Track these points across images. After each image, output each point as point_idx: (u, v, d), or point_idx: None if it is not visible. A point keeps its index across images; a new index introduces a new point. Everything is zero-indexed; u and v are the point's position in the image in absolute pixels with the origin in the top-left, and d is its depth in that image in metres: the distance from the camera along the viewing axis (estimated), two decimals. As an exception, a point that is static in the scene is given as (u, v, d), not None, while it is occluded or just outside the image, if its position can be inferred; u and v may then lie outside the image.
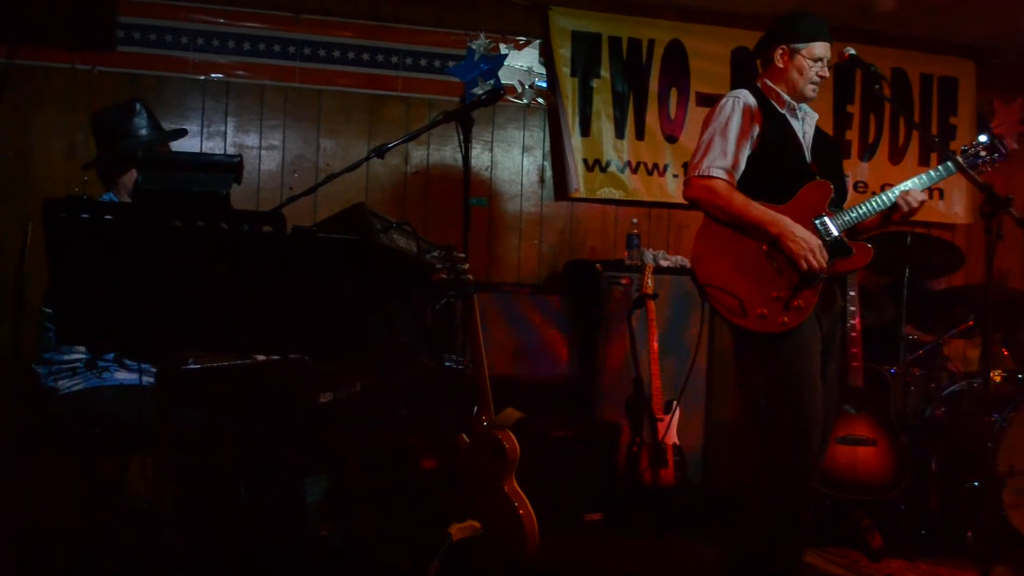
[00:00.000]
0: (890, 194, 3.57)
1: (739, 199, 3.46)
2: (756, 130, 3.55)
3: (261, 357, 3.23)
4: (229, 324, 2.56)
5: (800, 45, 3.60)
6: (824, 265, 3.40)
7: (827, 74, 3.64)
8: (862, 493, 4.80)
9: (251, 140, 5.56)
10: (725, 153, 3.51)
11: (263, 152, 5.57)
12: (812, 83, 3.62)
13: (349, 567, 3.88)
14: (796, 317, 3.41)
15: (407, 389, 4.09)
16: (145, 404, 3.03)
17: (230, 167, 2.56)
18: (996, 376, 5.19)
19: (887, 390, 4.96)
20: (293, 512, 3.55)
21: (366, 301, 3.71)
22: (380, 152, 4.00)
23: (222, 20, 5.47)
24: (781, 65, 3.64)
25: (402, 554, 3.96)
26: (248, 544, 3.40)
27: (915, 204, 3.55)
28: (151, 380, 3.36)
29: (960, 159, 3.57)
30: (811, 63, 3.59)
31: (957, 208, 6.68)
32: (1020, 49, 6.79)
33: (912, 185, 3.58)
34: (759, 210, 3.43)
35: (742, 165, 3.53)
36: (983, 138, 3.66)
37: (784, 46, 3.63)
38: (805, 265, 3.37)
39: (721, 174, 3.49)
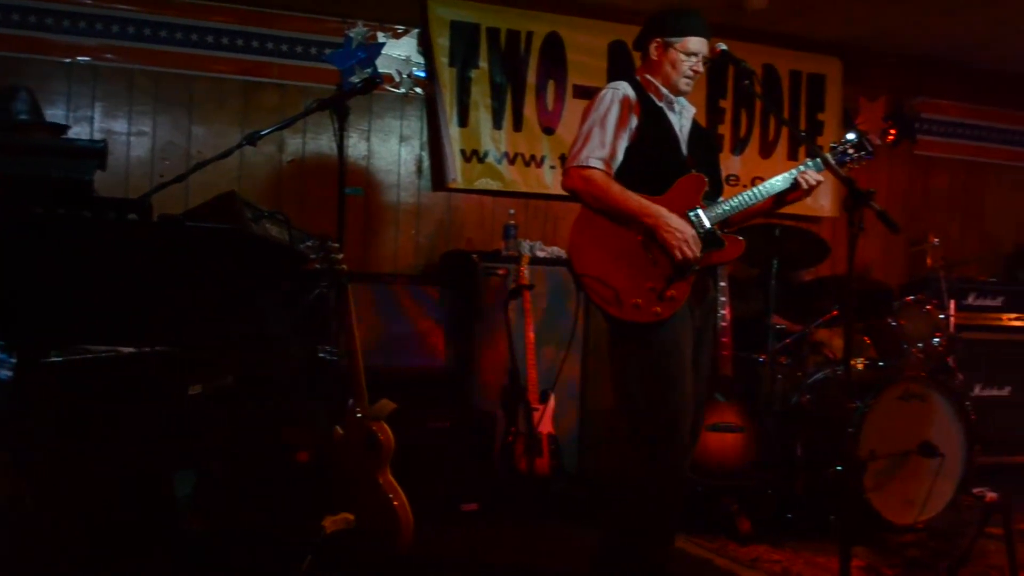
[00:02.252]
0: (758, 189, 3.65)
1: (616, 189, 3.49)
2: (634, 122, 3.58)
3: (127, 349, 3.14)
4: (93, 315, 2.49)
5: (675, 39, 3.64)
6: (697, 255, 3.46)
7: (701, 69, 3.69)
8: (731, 479, 4.92)
9: (119, 126, 5.40)
10: (603, 144, 3.54)
11: (132, 138, 5.42)
12: (686, 77, 3.66)
13: (220, 562, 3.81)
14: (669, 308, 3.46)
15: (280, 381, 4.03)
16: (2, 398, 2.92)
17: (93, 153, 2.49)
18: (859, 364, 5.37)
19: (755, 379, 5.09)
20: (161, 507, 3.46)
21: (236, 291, 3.64)
22: (253, 139, 3.93)
23: (90, 1, 5.29)
24: (656, 59, 3.69)
25: (275, 548, 3.91)
26: (114, 540, 3.31)
27: (813, 183, 3.63)
28: (9, 374, 3.24)
29: (828, 155, 3.67)
30: (685, 57, 3.64)
31: (823, 202, 6.89)
32: (884, 49, 7.04)
33: (779, 181, 3.67)
34: (635, 200, 3.47)
35: (620, 156, 3.56)
36: (851, 136, 3.76)
37: (659, 40, 3.67)
38: (679, 255, 3.43)
39: (599, 164, 3.52)
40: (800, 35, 6.79)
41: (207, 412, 3.56)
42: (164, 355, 3.17)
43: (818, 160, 3.65)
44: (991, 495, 5.39)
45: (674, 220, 3.46)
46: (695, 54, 3.64)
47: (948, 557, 4.38)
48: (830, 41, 6.89)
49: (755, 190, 3.64)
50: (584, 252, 3.54)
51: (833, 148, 3.76)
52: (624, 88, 3.62)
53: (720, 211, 3.58)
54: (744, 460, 4.97)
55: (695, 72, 3.68)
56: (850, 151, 3.74)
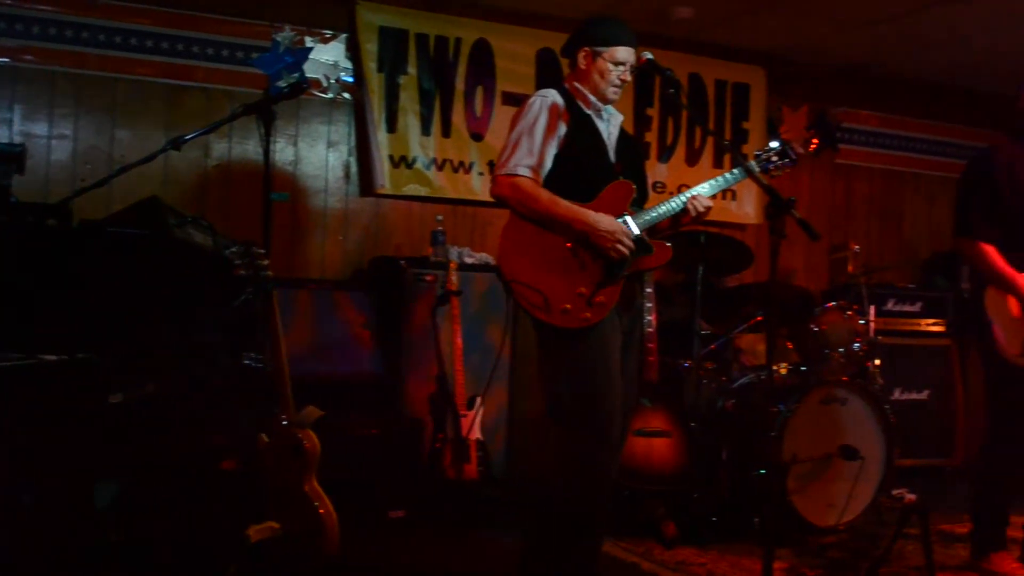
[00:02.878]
0: (685, 196, 3.69)
1: (545, 196, 3.51)
2: (563, 129, 3.60)
3: (47, 357, 3.08)
4: (12, 322, 2.44)
5: (603, 49, 3.67)
6: (632, 247, 3.50)
7: (629, 78, 3.72)
8: (657, 483, 4.96)
9: (40, 129, 5.30)
10: (531, 152, 3.55)
11: (53, 142, 5.32)
12: (614, 86, 3.69)
13: (143, 573, 3.76)
14: (598, 313, 3.49)
15: (204, 388, 3.99)
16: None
17: (11, 156, 2.44)
18: (782, 369, 5.46)
19: (681, 384, 5.15)
20: (81, 518, 3.40)
21: (159, 298, 3.60)
22: (177, 144, 3.88)
23: (9, 1, 5.18)
24: (584, 67, 3.71)
25: (199, 558, 3.86)
26: (32, 552, 3.24)
27: (701, 209, 3.67)
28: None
29: (753, 164, 3.72)
30: (612, 66, 3.66)
31: (748, 209, 7.00)
32: (806, 59, 7.17)
33: (706, 188, 3.72)
34: (565, 207, 3.49)
35: (548, 164, 3.58)
36: (775, 144, 3.82)
37: (587, 48, 3.70)
38: (616, 255, 3.46)
39: (527, 172, 3.53)
40: (725, 45, 6.89)
41: (129, 420, 3.51)
42: (84, 363, 3.12)
43: (743, 168, 3.70)
44: (910, 497, 5.51)
45: (603, 221, 3.49)
46: (623, 63, 3.67)
47: (868, 558, 4.46)
48: (754, 51, 7.00)
49: (681, 197, 3.68)
50: (513, 258, 3.55)
51: (757, 156, 3.81)
52: (552, 96, 3.65)
53: (648, 218, 3.62)
54: (670, 465, 5.01)
55: (623, 81, 3.70)
56: (773, 159, 3.80)
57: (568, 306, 3.47)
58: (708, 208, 3.68)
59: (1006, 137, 4.38)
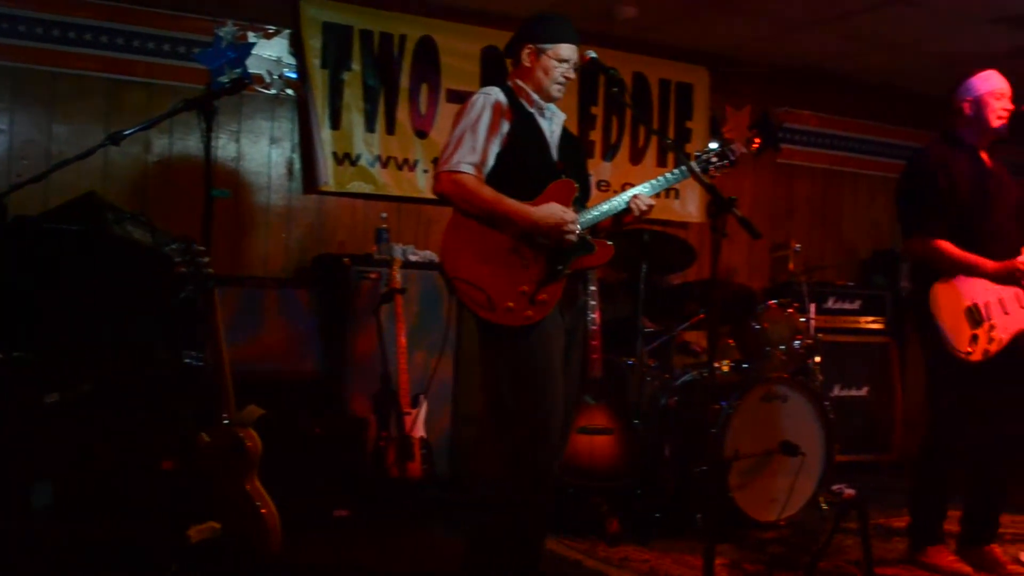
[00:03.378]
0: (627, 195, 3.71)
1: (488, 193, 3.50)
2: (506, 127, 3.60)
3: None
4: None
5: (546, 46, 3.67)
6: (579, 229, 3.51)
7: (573, 76, 3.73)
8: (600, 480, 4.98)
9: (-26, 123, 5.21)
10: (474, 149, 3.54)
11: (-12, 136, 5.22)
12: (557, 83, 3.69)
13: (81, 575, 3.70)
14: (540, 311, 3.49)
15: (143, 387, 3.94)
16: None
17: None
18: (724, 366, 5.51)
19: (624, 381, 5.17)
20: (17, 519, 3.34)
21: (96, 295, 3.55)
22: (116, 139, 3.82)
23: (-58, -7, 5.08)
24: (528, 65, 3.71)
25: (138, 559, 3.82)
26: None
27: (644, 208, 3.68)
28: None
29: (694, 163, 3.75)
30: (556, 64, 3.67)
31: (691, 208, 7.05)
32: (749, 60, 7.24)
33: (647, 188, 3.73)
34: (509, 203, 3.49)
35: (490, 161, 3.58)
36: (715, 144, 3.85)
37: (531, 46, 3.70)
38: (575, 236, 3.49)
39: (469, 169, 3.52)
40: (669, 45, 6.93)
41: (65, 420, 3.45)
42: (19, 361, 3.06)
43: (684, 168, 3.72)
44: (849, 492, 5.61)
45: (544, 214, 3.49)
46: (566, 60, 3.68)
47: (808, 552, 4.51)
48: (698, 51, 7.06)
49: (622, 197, 3.70)
50: (456, 255, 3.54)
51: (698, 156, 3.84)
52: (496, 93, 3.64)
53: (590, 216, 3.63)
54: (614, 461, 5.04)
55: (567, 78, 3.71)
56: (714, 159, 3.82)
57: (511, 304, 3.47)
58: (650, 207, 3.70)
59: (940, 137, 4.46)
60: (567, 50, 3.68)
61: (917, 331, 4.46)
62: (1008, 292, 4.24)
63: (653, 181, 3.75)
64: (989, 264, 4.19)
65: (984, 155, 4.39)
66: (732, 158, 3.82)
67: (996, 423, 4.32)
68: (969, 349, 4.18)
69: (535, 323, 3.49)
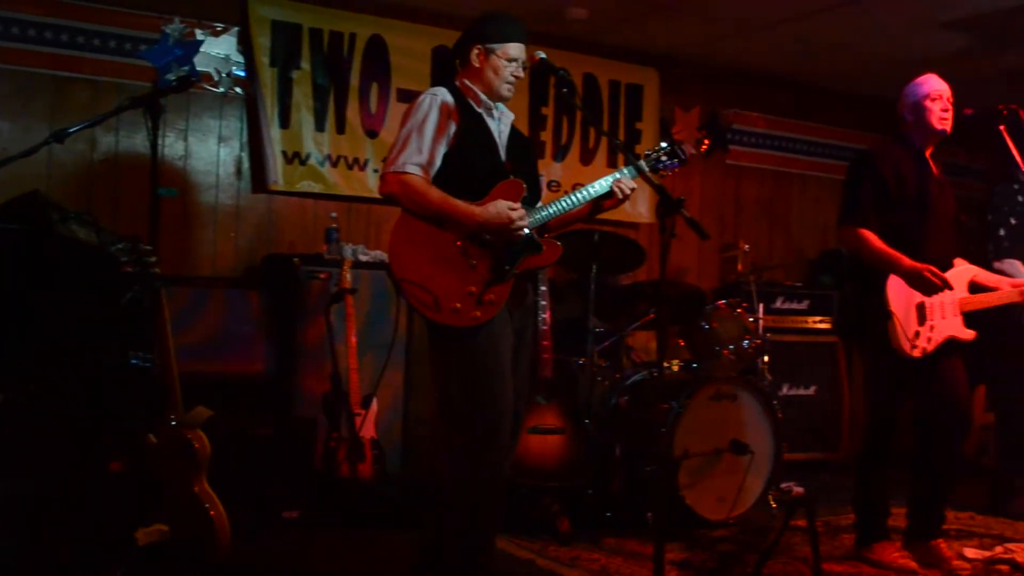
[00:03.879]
0: (576, 194, 3.71)
1: (435, 193, 3.50)
2: (453, 128, 3.59)
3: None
4: None
5: (495, 45, 3.67)
6: (527, 224, 3.52)
7: (522, 75, 3.72)
8: (551, 480, 5.00)
9: (-87, 120, 5.10)
10: (421, 150, 3.53)
11: (-72, 134, 5.12)
12: (507, 83, 3.68)
13: (25, 579, 3.65)
14: (488, 312, 3.49)
15: (89, 388, 3.88)
16: None
17: None
18: (674, 366, 5.55)
19: (575, 381, 5.19)
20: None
21: (41, 295, 3.49)
22: (60, 137, 3.76)
23: None
24: (477, 64, 3.70)
25: (85, 561, 3.76)
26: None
27: (627, 191, 3.71)
28: None
29: (643, 163, 3.76)
30: (506, 63, 3.66)
31: (641, 208, 7.09)
32: (698, 61, 7.30)
33: (598, 186, 3.74)
34: (455, 204, 3.49)
35: (437, 162, 3.56)
36: (664, 144, 3.87)
37: (480, 46, 3.69)
38: (522, 233, 3.50)
39: (416, 170, 3.51)
40: (619, 46, 6.97)
41: (10, 421, 3.40)
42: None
43: (633, 169, 3.73)
44: (797, 490, 5.68)
45: (491, 213, 3.49)
46: (515, 60, 3.67)
47: (757, 550, 4.55)
48: (648, 53, 7.10)
49: (572, 196, 3.70)
50: (404, 256, 3.53)
51: (647, 156, 3.86)
52: (443, 94, 3.63)
53: (538, 216, 3.63)
54: (564, 461, 5.05)
55: (516, 78, 3.70)
56: (663, 159, 3.85)
57: (458, 305, 3.47)
58: (633, 189, 3.72)
59: (892, 137, 4.53)
60: (516, 49, 3.67)
61: (856, 327, 4.53)
62: (948, 296, 4.32)
63: (605, 179, 3.76)
64: (905, 262, 4.24)
65: (930, 159, 4.46)
66: (682, 156, 3.84)
67: (928, 420, 4.43)
68: (914, 344, 4.25)
69: (482, 323, 3.49)
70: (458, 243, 3.51)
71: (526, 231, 3.55)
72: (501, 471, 3.57)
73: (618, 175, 3.74)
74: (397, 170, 3.51)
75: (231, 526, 3.75)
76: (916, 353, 4.25)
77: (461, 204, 3.50)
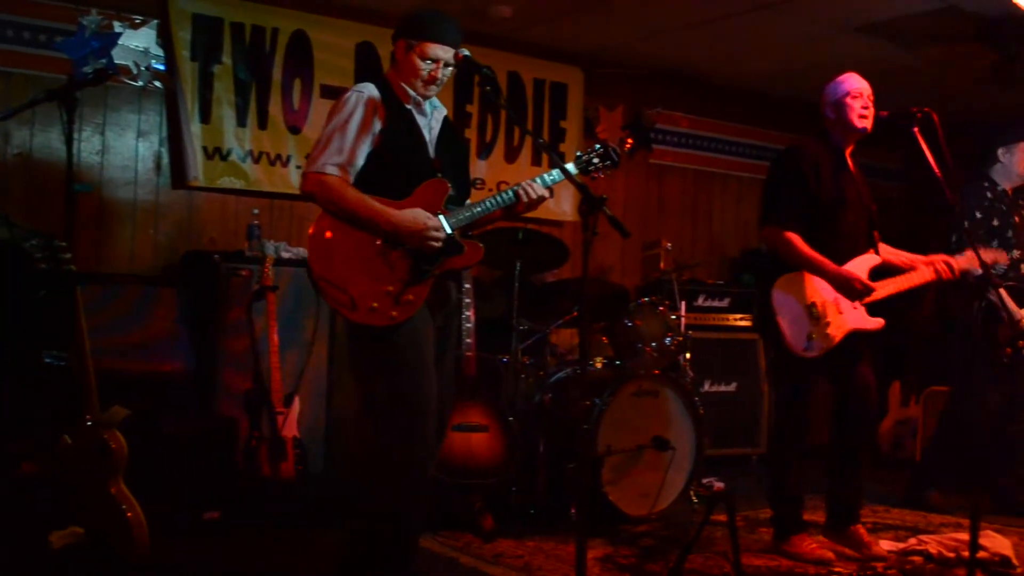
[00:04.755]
0: (503, 194, 3.70)
1: (352, 195, 3.47)
2: (378, 125, 3.55)
3: None
4: None
5: (415, 42, 3.61)
6: (442, 236, 3.50)
7: (441, 76, 3.64)
8: (476, 477, 5.00)
9: None
10: (341, 150, 3.50)
11: None
12: (424, 82, 3.62)
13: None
14: (406, 311, 3.46)
15: (1, 387, 3.80)
16: None
17: None
18: (597, 363, 5.59)
19: (499, 378, 5.20)
20: None
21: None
22: (-31, 130, 3.67)
23: None
24: (401, 60, 3.67)
25: (-3, 566, 3.68)
26: None
27: (534, 196, 3.68)
28: None
29: (572, 165, 3.75)
30: (421, 61, 3.60)
31: (565, 207, 7.12)
32: (622, 61, 7.35)
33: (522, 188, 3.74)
34: (370, 206, 3.46)
35: (359, 161, 3.53)
36: (598, 146, 3.86)
37: (403, 41, 3.65)
38: (437, 244, 3.47)
39: (334, 171, 3.48)
40: (544, 44, 6.99)
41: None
42: None
43: (559, 169, 3.72)
44: (718, 485, 5.75)
45: (408, 219, 3.47)
46: (432, 59, 3.60)
47: (679, 544, 4.60)
48: (572, 52, 7.13)
49: (494, 198, 3.68)
50: (322, 256, 3.50)
51: (579, 157, 3.84)
52: (369, 90, 3.59)
53: (461, 217, 3.61)
54: (488, 458, 5.06)
55: (434, 78, 3.63)
56: (595, 160, 3.83)
57: (375, 304, 3.44)
58: (541, 196, 3.69)
59: (814, 136, 4.61)
60: (434, 49, 3.59)
61: (762, 326, 4.62)
62: None
63: (533, 179, 3.75)
64: (831, 267, 4.34)
65: (849, 158, 4.55)
66: (615, 159, 3.84)
67: (839, 411, 4.54)
68: (808, 345, 4.34)
69: (400, 323, 3.46)
70: (377, 242, 3.49)
71: (448, 230, 3.54)
72: (423, 471, 3.56)
73: (548, 176, 3.72)
74: (316, 170, 3.49)
75: (149, 528, 3.70)
76: (813, 354, 4.34)
77: (378, 207, 3.47)
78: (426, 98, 3.71)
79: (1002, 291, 5.14)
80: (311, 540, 4.57)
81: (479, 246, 3.62)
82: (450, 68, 3.65)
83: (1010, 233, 5.30)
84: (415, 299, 3.48)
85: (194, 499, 4.76)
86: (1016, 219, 5.40)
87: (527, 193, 3.67)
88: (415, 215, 3.48)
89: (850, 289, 4.34)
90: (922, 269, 4.53)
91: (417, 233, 3.47)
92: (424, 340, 3.54)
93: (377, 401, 3.50)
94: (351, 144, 3.51)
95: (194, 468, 4.83)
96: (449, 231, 3.54)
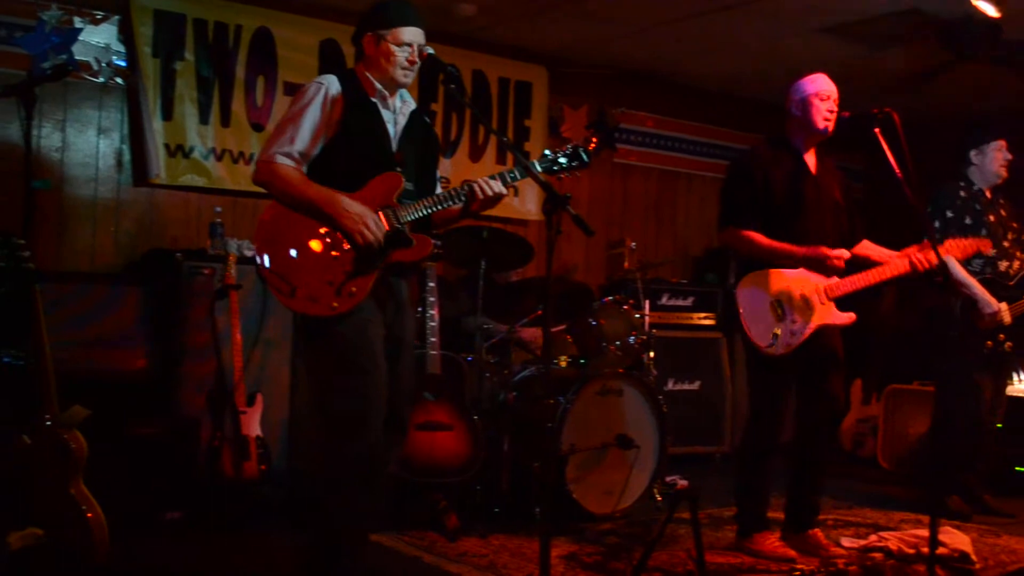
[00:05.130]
0: (457, 190, 3.66)
1: (299, 180, 3.47)
2: (337, 116, 3.54)
3: None
4: None
5: (385, 31, 3.59)
6: (379, 238, 3.46)
7: (417, 60, 3.63)
8: (440, 476, 5.00)
9: None
10: (295, 139, 3.49)
11: None
12: (402, 68, 3.61)
13: None
14: (347, 303, 3.44)
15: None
16: None
17: None
18: (562, 362, 5.60)
19: (463, 377, 5.20)
20: None
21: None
22: (-75, 126, 3.62)
23: None
24: (370, 53, 3.64)
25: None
26: None
27: (490, 193, 3.65)
28: None
29: (537, 164, 3.73)
30: (397, 48, 3.58)
31: (530, 206, 7.13)
32: (586, 60, 7.37)
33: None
34: (317, 190, 3.46)
35: (313, 152, 3.52)
36: (569, 147, 3.82)
37: (372, 33, 3.63)
38: (361, 240, 3.43)
39: (286, 160, 3.48)
40: (508, 43, 6.99)
41: None
42: None
43: (520, 167, 3.71)
44: (682, 483, 5.77)
45: (353, 206, 3.46)
46: (408, 44, 3.59)
47: (643, 542, 4.62)
48: (537, 51, 7.14)
49: (447, 193, 3.64)
50: (269, 246, 3.48)
51: (546, 156, 3.76)
52: (330, 82, 3.57)
53: (412, 211, 3.60)
54: (453, 457, 5.06)
55: (411, 63, 3.62)
56: (561, 160, 3.74)
57: (316, 295, 3.42)
58: (498, 194, 3.65)
59: (766, 139, 4.64)
60: (408, 33, 3.59)
61: (735, 326, 4.64)
62: (810, 287, 4.43)
63: (494, 176, 3.73)
64: (798, 250, 4.37)
65: (809, 158, 4.57)
66: (584, 159, 3.78)
67: (804, 414, 4.55)
68: (772, 343, 4.37)
69: (342, 314, 3.45)
70: (323, 231, 3.47)
71: (397, 224, 3.52)
72: (369, 465, 3.49)
73: (508, 174, 3.71)
74: (268, 159, 3.50)
75: (110, 529, 3.67)
76: (780, 351, 4.37)
77: (326, 193, 3.46)
78: (403, 85, 3.68)
79: (978, 285, 5.22)
80: (274, 540, 4.54)
81: (429, 241, 3.60)
82: (423, 46, 3.64)
83: (984, 232, 5.35)
84: (358, 291, 3.46)
85: (156, 500, 4.74)
86: (991, 218, 5.45)
87: (482, 190, 3.63)
88: (359, 210, 3.46)
89: (821, 263, 4.37)
90: (896, 262, 4.52)
91: (357, 218, 3.44)
92: (370, 336, 3.51)
93: (323, 392, 3.49)
94: (306, 134, 3.51)
95: (156, 468, 4.80)
96: (399, 224, 3.52)
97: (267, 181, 3.50)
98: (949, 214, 5.40)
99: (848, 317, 4.50)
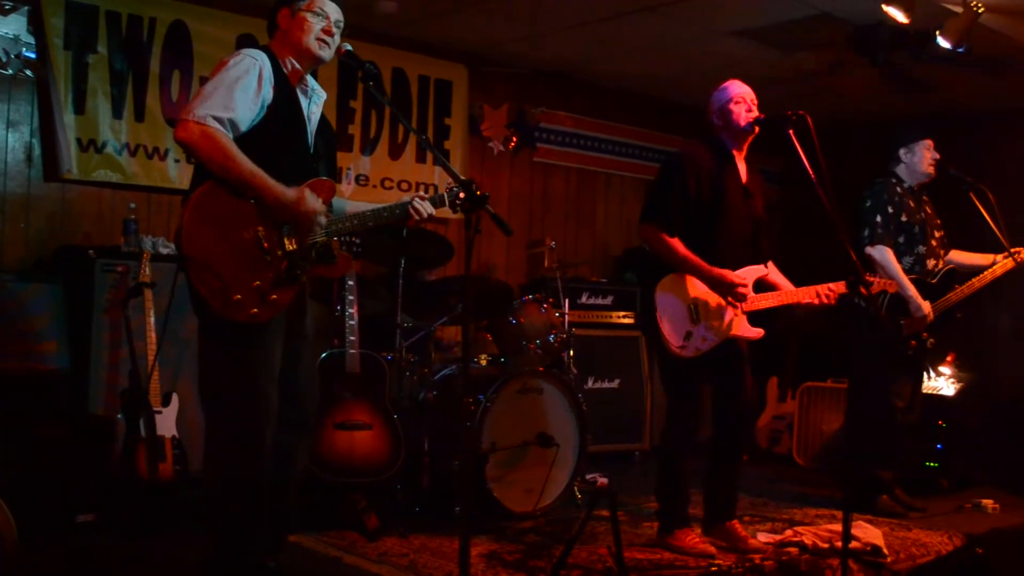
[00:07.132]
0: (393, 208, 3.62)
1: (235, 150, 3.28)
2: (269, 97, 3.43)
3: None
4: None
5: (301, 3, 3.52)
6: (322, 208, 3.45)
7: (335, 32, 3.55)
8: (360, 476, 4.96)
9: None
10: (228, 107, 3.30)
11: None
12: (318, 39, 3.51)
13: None
14: (268, 311, 3.38)
15: None
16: None
17: None
18: (482, 360, 5.60)
19: (383, 376, 5.17)
20: None
21: None
22: None
23: None
24: (285, 27, 3.53)
25: None
26: None
27: (425, 215, 3.63)
28: None
29: (444, 195, 3.68)
30: (312, 16, 3.49)
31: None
32: (507, 59, 7.38)
33: (400, 209, 3.65)
34: (261, 173, 3.32)
35: (243, 127, 3.37)
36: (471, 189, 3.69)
37: (286, 7, 3.54)
38: (319, 233, 3.43)
39: (218, 125, 3.27)
40: (429, 41, 6.97)
41: None
42: None
43: (436, 197, 3.68)
44: (602, 481, 5.82)
45: (311, 202, 3.41)
46: (323, 14, 3.51)
47: (563, 540, 4.64)
48: (457, 49, 7.13)
49: (373, 213, 3.61)
50: (197, 234, 3.30)
51: (451, 191, 3.66)
52: (263, 59, 3.44)
53: (337, 227, 3.55)
54: (373, 457, 5.03)
55: (327, 33, 3.52)
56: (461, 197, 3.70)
57: (240, 297, 3.33)
58: (431, 215, 3.66)
59: (703, 140, 4.68)
60: (324, 3, 3.52)
61: (644, 325, 4.70)
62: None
63: (403, 200, 3.68)
64: (704, 267, 4.43)
65: (741, 164, 4.63)
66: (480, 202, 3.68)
67: (716, 411, 4.64)
68: (684, 344, 4.43)
69: (260, 323, 3.38)
70: (259, 229, 3.39)
71: (321, 236, 3.49)
72: (256, 472, 3.46)
73: (436, 198, 3.67)
74: (198, 119, 3.25)
75: (19, 531, 3.57)
76: (687, 353, 4.44)
77: (269, 178, 3.34)
78: (318, 59, 3.57)
79: (912, 287, 5.33)
80: (188, 542, 4.45)
81: (350, 259, 3.59)
82: (342, 26, 3.57)
83: (917, 229, 5.47)
84: (279, 301, 3.40)
85: (68, 501, 4.63)
86: (922, 216, 5.57)
87: (418, 212, 3.61)
88: (315, 204, 3.41)
89: (723, 287, 4.44)
90: (803, 291, 4.56)
91: (307, 214, 3.39)
92: (274, 341, 3.48)
93: (217, 394, 3.45)
94: (243, 105, 3.34)
95: (68, 469, 4.69)
96: (326, 240, 3.49)
97: (193, 143, 3.25)
98: (890, 209, 5.46)
99: (757, 332, 4.60)
